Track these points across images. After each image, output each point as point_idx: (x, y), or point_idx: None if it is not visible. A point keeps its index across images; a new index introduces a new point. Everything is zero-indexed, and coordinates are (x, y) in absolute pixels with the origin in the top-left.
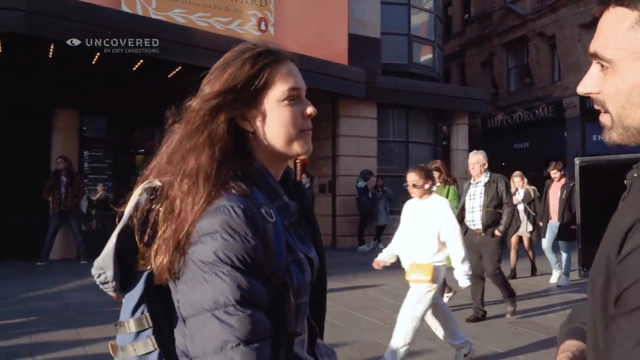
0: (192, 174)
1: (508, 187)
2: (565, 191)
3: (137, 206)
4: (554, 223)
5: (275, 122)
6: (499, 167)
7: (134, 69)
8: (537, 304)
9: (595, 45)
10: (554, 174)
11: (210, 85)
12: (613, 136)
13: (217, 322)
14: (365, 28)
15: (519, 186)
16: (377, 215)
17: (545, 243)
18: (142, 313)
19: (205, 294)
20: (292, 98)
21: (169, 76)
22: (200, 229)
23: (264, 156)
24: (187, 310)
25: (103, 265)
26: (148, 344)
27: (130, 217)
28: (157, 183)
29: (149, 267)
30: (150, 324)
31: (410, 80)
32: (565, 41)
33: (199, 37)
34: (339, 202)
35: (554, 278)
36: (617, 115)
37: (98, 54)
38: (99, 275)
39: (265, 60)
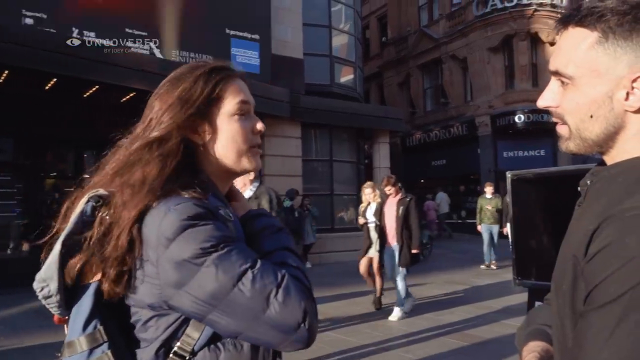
0: (136, 184)
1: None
2: (401, 207)
3: (83, 214)
4: (391, 247)
5: (226, 136)
6: (418, 184)
7: (47, 87)
8: None
9: (556, 63)
10: (388, 190)
11: (161, 100)
12: (570, 146)
13: (249, 287)
14: (288, 48)
15: (371, 199)
16: (303, 235)
17: (389, 272)
18: (95, 327)
19: (220, 277)
20: (243, 113)
21: (85, 95)
22: (165, 231)
23: (212, 171)
24: (206, 304)
25: (46, 277)
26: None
27: (76, 224)
28: (104, 192)
29: (96, 279)
30: (105, 338)
31: (333, 100)
32: (475, 63)
33: (118, 56)
34: None
35: (394, 314)
36: (575, 127)
37: (6, 72)
38: (42, 289)
39: (218, 76)
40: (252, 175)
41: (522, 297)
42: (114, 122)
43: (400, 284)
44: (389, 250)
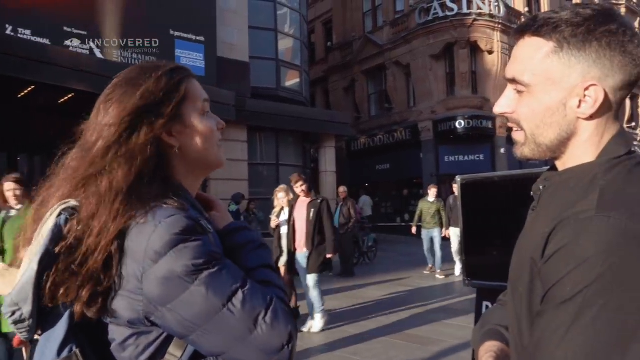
0: (102, 193)
1: None
2: (312, 210)
3: (56, 228)
4: (302, 254)
5: (201, 135)
6: (363, 187)
7: None
8: None
9: (512, 71)
10: (299, 187)
11: (118, 104)
12: (525, 151)
13: (239, 308)
14: (234, 51)
15: (284, 204)
16: None
17: (303, 281)
18: (71, 351)
19: (210, 297)
20: (207, 110)
21: (19, 96)
22: (152, 246)
23: (184, 173)
24: (192, 323)
25: (19, 300)
26: None
27: (51, 241)
28: (74, 203)
29: (70, 298)
30: None
31: (279, 103)
32: (418, 70)
33: (56, 55)
34: None
35: (316, 325)
36: (531, 133)
37: None
38: (13, 313)
39: (180, 75)
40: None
41: (465, 297)
42: (50, 124)
43: (312, 292)
44: (300, 257)
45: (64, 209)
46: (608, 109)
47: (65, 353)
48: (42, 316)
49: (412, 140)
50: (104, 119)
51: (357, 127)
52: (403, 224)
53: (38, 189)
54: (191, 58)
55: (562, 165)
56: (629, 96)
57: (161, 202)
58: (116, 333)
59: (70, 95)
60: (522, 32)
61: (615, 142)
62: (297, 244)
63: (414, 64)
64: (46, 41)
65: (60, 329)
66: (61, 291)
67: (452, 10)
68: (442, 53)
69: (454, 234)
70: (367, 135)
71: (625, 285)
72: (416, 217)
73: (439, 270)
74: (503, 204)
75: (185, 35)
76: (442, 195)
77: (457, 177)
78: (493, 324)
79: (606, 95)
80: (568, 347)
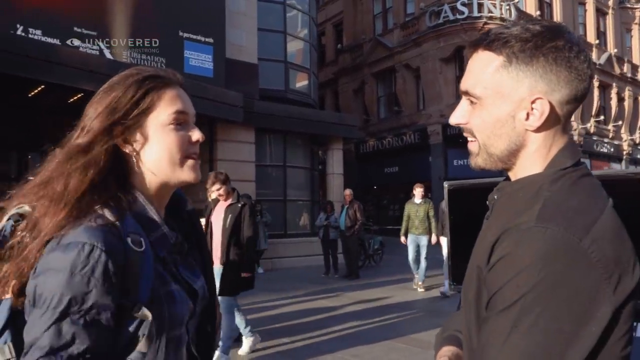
0: (55, 197)
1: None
2: (230, 215)
3: (1, 232)
4: (216, 268)
5: (159, 146)
6: (371, 190)
7: None
8: None
9: (465, 84)
10: (216, 190)
11: (93, 109)
12: (478, 161)
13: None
14: (242, 53)
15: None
16: (257, 240)
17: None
18: (5, 342)
19: (34, 328)
20: (179, 122)
21: (30, 95)
22: (47, 262)
23: (147, 182)
24: (26, 338)
25: None
26: None
27: None
28: (27, 208)
29: (8, 296)
30: (14, 354)
31: (287, 105)
32: (428, 73)
33: (66, 54)
34: None
35: (243, 348)
36: (482, 143)
37: None
38: None
39: (151, 84)
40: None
41: None
42: (60, 123)
43: (226, 319)
44: (215, 272)
45: (12, 215)
46: (555, 122)
47: (0, 343)
48: None
49: (421, 144)
50: (82, 123)
51: (366, 129)
52: None
53: (19, 186)
54: (200, 59)
55: (513, 175)
56: (578, 108)
57: (99, 212)
58: None
59: (79, 95)
60: (476, 46)
61: (562, 154)
62: (213, 256)
63: (423, 67)
64: (56, 41)
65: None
66: (3, 287)
67: (463, 13)
68: (452, 56)
69: (445, 242)
70: (376, 138)
71: (560, 294)
72: (404, 224)
73: (420, 283)
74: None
75: (194, 37)
76: (432, 197)
77: (444, 183)
78: (452, 330)
79: (552, 108)
80: (508, 353)
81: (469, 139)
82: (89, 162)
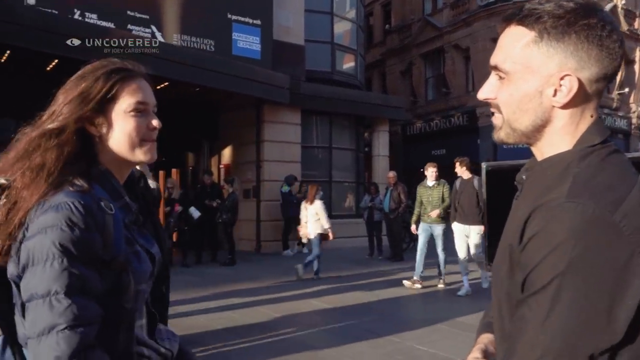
0: (35, 168)
1: None
2: None
3: None
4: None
5: (120, 130)
6: (417, 173)
7: (48, 69)
8: None
9: (495, 59)
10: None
11: (65, 95)
12: (501, 135)
13: (47, 307)
14: (290, 35)
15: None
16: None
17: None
18: None
19: (41, 281)
20: (139, 110)
21: None
22: (43, 222)
23: (109, 160)
24: (25, 295)
25: None
26: None
27: None
28: (3, 181)
29: None
30: None
31: (334, 87)
32: (478, 53)
33: (121, 37)
34: (263, 207)
35: None
36: (507, 118)
37: (8, 52)
38: None
39: (117, 76)
40: None
41: None
42: None
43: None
44: None
45: None
46: (583, 99)
47: None
48: None
49: (469, 126)
50: (53, 107)
51: (413, 111)
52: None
53: None
54: (247, 41)
55: (538, 151)
56: (606, 88)
57: (74, 182)
58: (13, 288)
59: None
60: (508, 21)
61: (590, 131)
62: None
63: (473, 47)
64: (111, 25)
65: None
66: None
67: None
68: None
69: (462, 231)
70: (423, 120)
71: (595, 268)
72: (416, 212)
73: (441, 279)
74: None
75: (242, 19)
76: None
77: (482, 164)
78: (490, 316)
79: (581, 85)
80: (547, 334)
81: (495, 113)
82: (62, 142)
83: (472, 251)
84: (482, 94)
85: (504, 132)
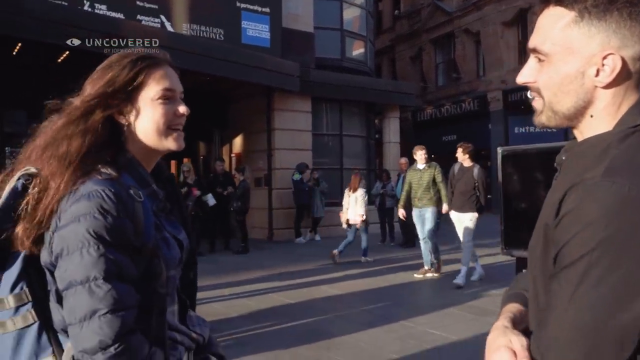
0: (61, 157)
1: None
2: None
3: (14, 190)
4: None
5: (147, 117)
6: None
7: (59, 60)
8: None
9: (534, 41)
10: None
11: (92, 85)
12: (542, 119)
13: (87, 293)
14: (299, 22)
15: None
16: (313, 208)
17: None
18: (22, 289)
19: (79, 268)
20: (166, 97)
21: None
22: (75, 210)
23: (137, 148)
24: (63, 283)
25: None
26: (27, 317)
27: (7, 200)
28: (33, 170)
29: (25, 247)
30: (30, 298)
31: (344, 74)
32: (488, 38)
33: (130, 28)
34: (275, 195)
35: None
36: (548, 100)
37: (19, 44)
38: None
39: (143, 64)
40: None
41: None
42: None
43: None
44: None
45: (22, 175)
46: (626, 78)
47: (17, 290)
48: (3, 259)
49: (480, 111)
50: (80, 95)
51: (423, 97)
52: None
53: (22, 148)
54: (257, 29)
55: (579, 134)
56: None
57: (102, 170)
58: (48, 275)
59: None
60: (547, 2)
61: (632, 111)
62: None
63: (484, 32)
64: (120, 15)
65: (14, 270)
66: (19, 239)
67: None
68: (514, 19)
69: (458, 219)
70: (434, 106)
71: (626, 247)
72: (403, 195)
73: (426, 268)
74: (540, 174)
75: (251, 7)
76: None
77: (498, 148)
78: (519, 288)
79: (624, 64)
80: (575, 309)
81: (535, 97)
82: (87, 129)
83: (462, 239)
84: (522, 77)
85: (545, 115)
